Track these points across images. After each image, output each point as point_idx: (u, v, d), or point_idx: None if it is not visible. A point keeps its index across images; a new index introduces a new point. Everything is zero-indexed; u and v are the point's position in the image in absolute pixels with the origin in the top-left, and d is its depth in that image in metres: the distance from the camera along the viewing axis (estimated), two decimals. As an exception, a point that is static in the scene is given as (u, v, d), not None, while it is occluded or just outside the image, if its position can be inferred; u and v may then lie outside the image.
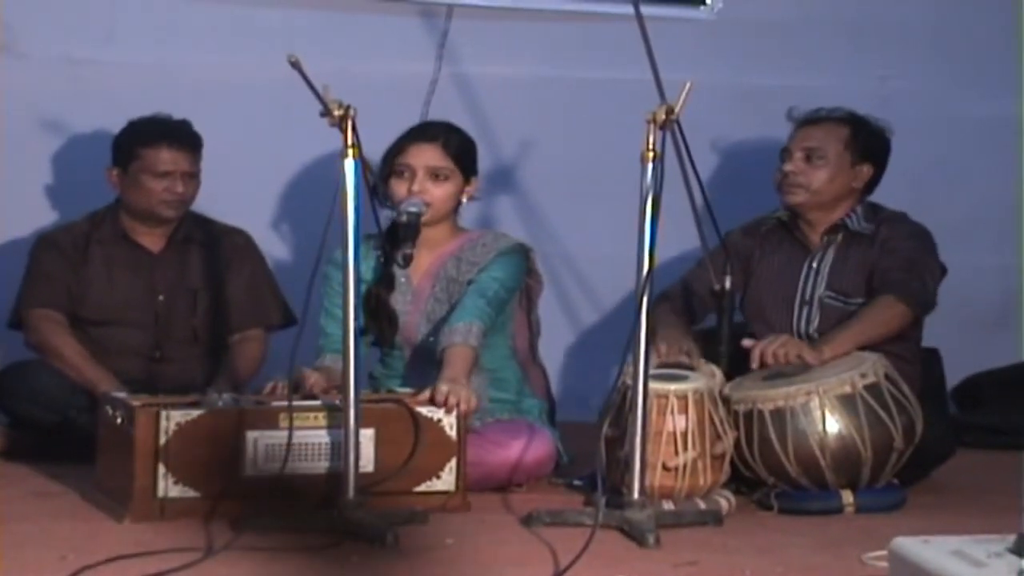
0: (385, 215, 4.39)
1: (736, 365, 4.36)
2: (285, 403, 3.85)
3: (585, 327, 5.73)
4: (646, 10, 4.16)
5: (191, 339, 4.85)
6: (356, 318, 3.75)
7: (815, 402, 4.18)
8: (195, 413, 3.85)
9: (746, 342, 4.33)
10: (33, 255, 4.85)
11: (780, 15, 5.80)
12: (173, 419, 3.81)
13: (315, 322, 4.41)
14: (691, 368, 4.26)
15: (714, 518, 3.97)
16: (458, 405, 4.02)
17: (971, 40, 5.91)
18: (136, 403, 3.87)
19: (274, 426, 3.87)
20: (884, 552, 2.85)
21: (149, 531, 3.66)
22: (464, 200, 4.51)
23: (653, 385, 3.93)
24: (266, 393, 4.17)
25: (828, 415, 4.17)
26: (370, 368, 4.58)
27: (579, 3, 5.67)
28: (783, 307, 4.63)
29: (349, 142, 3.70)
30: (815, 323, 4.58)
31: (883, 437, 4.19)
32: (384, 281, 4.48)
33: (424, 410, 4.02)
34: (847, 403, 4.19)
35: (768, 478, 4.21)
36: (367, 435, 3.90)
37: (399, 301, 4.49)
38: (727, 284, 4.22)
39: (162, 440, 3.80)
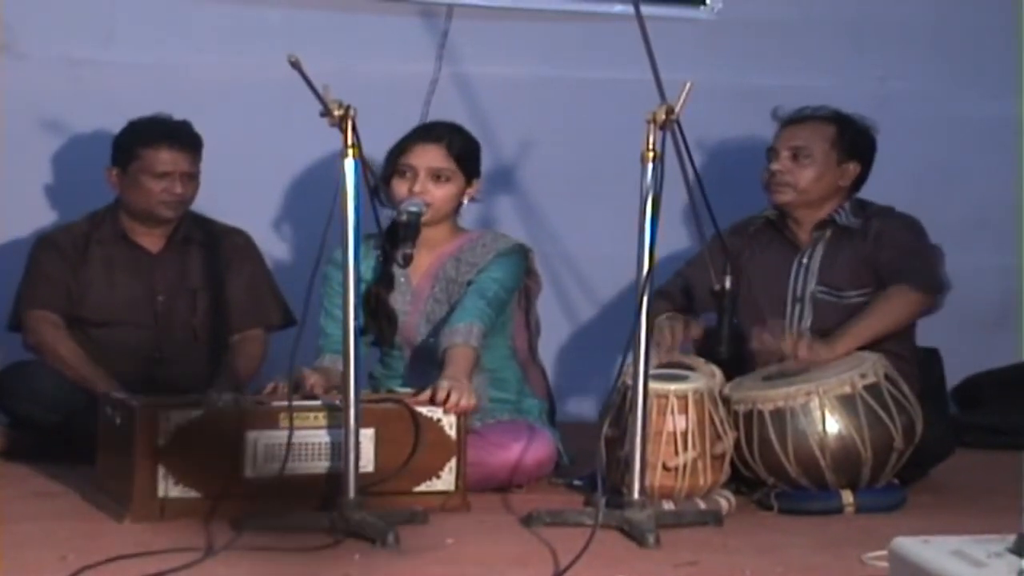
0: (386, 215, 4.39)
1: (736, 365, 4.36)
2: (285, 403, 3.85)
3: (585, 327, 5.74)
4: (646, 10, 4.16)
5: (191, 339, 4.85)
6: (356, 318, 3.75)
7: (815, 402, 4.18)
8: (195, 413, 3.85)
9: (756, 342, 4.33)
10: (32, 256, 4.85)
11: (780, 15, 5.80)
12: (173, 419, 3.81)
13: (315, 322, 4.42)
14: (691, 368, 4.26)
15: (714, 518, 3.98)
16: (459, 403, 4.02)
17: (971, 40, 5.91)
18: (136, 403, 3.87)
19: (274, 426, 3.87)
20: (884, 552, 2.85)
21: (149, 531, 3.66)
22: (465, 201, 4.51)
23: (653, 385, 3.93)
24: (266, 393, 4.17)
25: (828, 415, 4.17)
26: (370, 368, 4.58)
27: (579, 3, 5.67)
28: (775, 305, 4.63)
29: (349, 142, 3.69)
30: (808, 320, 4.59)
31: (883, 437, 4.19)
32: (384, 281, 4.48)
33: (424, 410, 4.02)
34: (847, 403, 4.19)
35: (768, 478, 4.21)
36: (367, 435, 3.90)
37: (399, 301, 4.49)
38: (727, 284, 4.21)
39: (162, 440, 3.80)
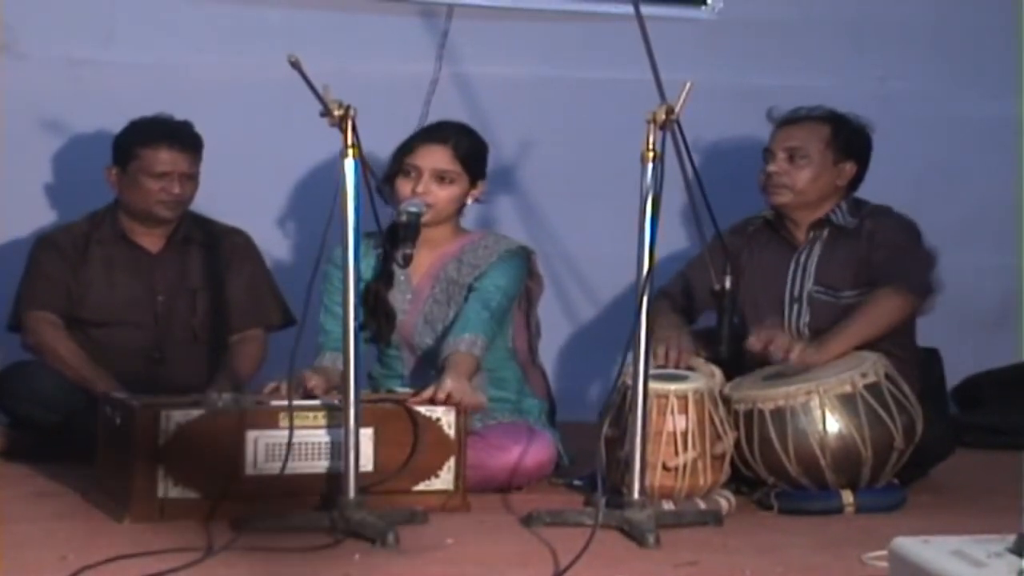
0: (388, 213, 4.39)
1: (736, 365, 4.35)
2: (285, 403, 3.85)
3: (585, 327, 5.73)
4: (646, 10, 4.16)
5: (191, 339, 4.85)
6: (358, 318, 3.75)
7: (815, 402, 4.18)
8: (195, 413, 3.85)
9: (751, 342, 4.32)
10: (32, 256, 4.84)
11: (780, 15, 5.80)
12: (173, 419, 3.81)
13: (315, 322, 4.42)
14: (691, 368, 4.26)
15: (714, 518, 3.98)
16: (462, 397, 4.02)
17: (971, 40, 5.91)
18: (136, 403, 3.87)
19: (274, 426, 3.87)
20: (884, 552, 2.85)
21: (149, 531, 3.65)
22: (469, 202, 4.51)
23: (653, 385, 3.93)
24: (267, 393, 4.17)
25: (828, 415, 4.17)
26: (368, 368, 4.58)
27: (579, 3, 5.67)
28: (774, 305, 4.63)
29: (349, 142, 3.69)
30: (806, 319, 4.58)
31: (883, 437, 4.19)
32: (383, 278, 4.48)
33: (423, 410, 4.02)
34: (847, 403, 4.19)
35: (768, 478, 4.21)
36: (366, 435, 3.90)
37: (398, 300, 4.49)
38: (727, 284, 4.21)
39: (162, 440, 3.80)
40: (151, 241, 4.86)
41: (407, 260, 4.24)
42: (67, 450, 4.43)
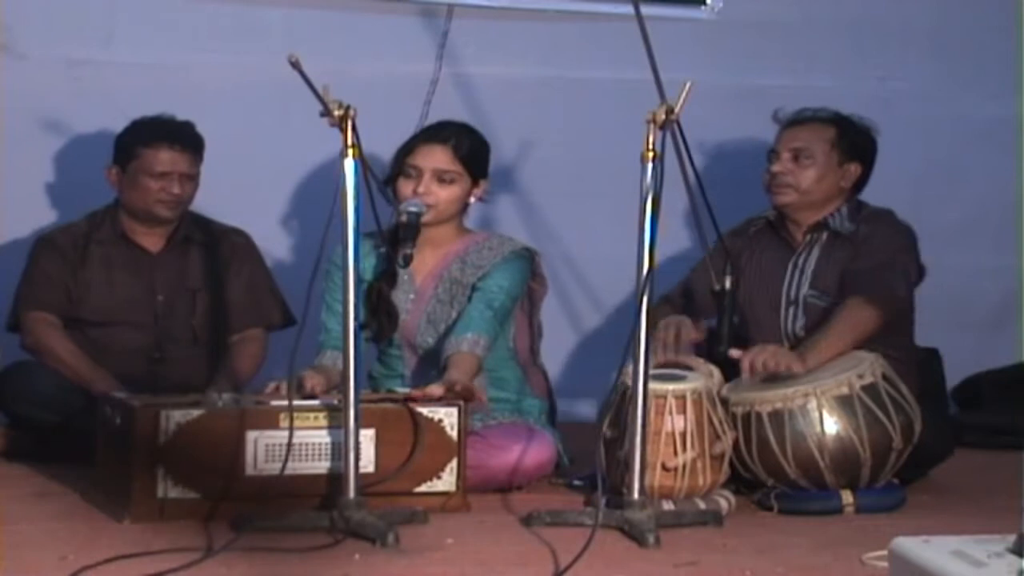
0: (388, 213, 4.39)
1: (736, 365, 4.35)
2: (285, 403, 3.85)
3: (585, 327, 5.74)
4: (646, 10, 4.15)
5: (191, 339, 4.85)
6: (358, 318, 3.75)
7: (813, 403, 4.18)
8: (195, 413, 3.85)
9: (733, 353, 4.30)
10: (32, 256, 4.85)
11: (780, 15, 5.80)
12: (173, 419, 3.81)
13: (315, 322, 4.42)
14: (690, 368, 4.26)
15: (714, 518, 3.98)
16: (470, 394, 4.03)
17: (971, 40, 5.91)
18: (136, 403, 3.87)
19: (274, 426, 3.87)
20: (884, 552, 2.84)
21: (149, 531, 3.65)
22: (472, 201, 4.51)
23: (652, 385, 3.93)
24: (268, 393, 4.17)
25: (826, 416, 4.17)
26: (369, 367, 4.58)
27: (579, 3, 5.67)
28: (771, 307, 4.63)
29: (349, 142, 3.69)
30: (800, 322, 4.58)
31: (881, 437, 4.19)
32: (387, 277, 4.48)
33: (424, 410, 4.02)
34: (845, 404, 4.19)
35: (767, 480, 4.21)
36: (367, 435, 3.90)
37: (401, 299, 4.50)
38: (727, 284, 4.21)
39: (162, 440, 3.80)
40: (151, 241, 4.87)
41: (407, 260, 4.24)
42: (67, 450, 4.43)
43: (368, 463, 3.89)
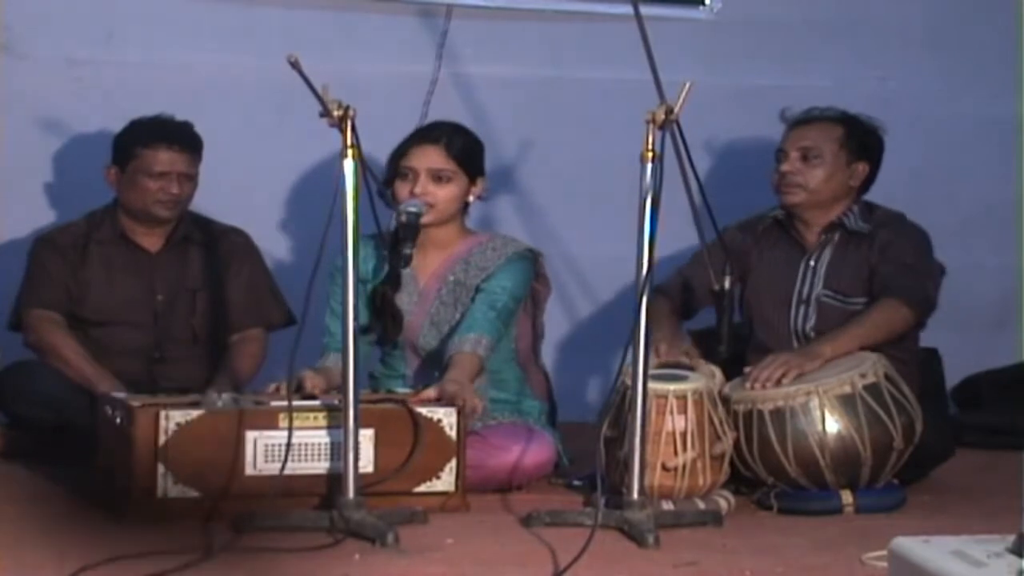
0: (388, 215, 4.39)
1: (736, 365, 4.35)
2: (285, 403, 3.85)
3: (585, 327, 5.73)
4: (645, 10, 4.16)
5: (190, 339, 4.85)
6: (356, 318, 3.75)
7: (815, 402, 4.18)
8: (195, 413, 3.85)
9: (747, 371, 4.30)
10: (32, 255, 4.85)
11: (780, 15, 5.79)
12: (173, 419, 3.81)
13: (315, 322, 4.40)
14: (691, 368, 4.26)
15: (714, 518, 3.97)
16: (464, 404, 4.02)
17: (971, 40, 5.91)
18: (136, 403, 3.87)
19: (274, 426, 3.87)
20: (884, 552, 2.84)
21: (149, 531, 3.65)
22: (471, 199, 4.51)
23: (652, 385, 3.93)
24: (268, 393, 4.16)
25: (828, 415, 4.17)
26: (371, 368, 4.58)
27: (579, 3, 5.67)
28: (780, 306, 4.63)
29: (348, 142, 3.69)
30: (812, 321, 4.58)
31: (883, 437, 4.19)
32: (391, 280, 4.48)
33: (424, 410, 4.02)
34: (847, 403, 4.19)
35: (768, 478, 4.21)
36: (367, 435, 3.90)
37: (405, 301, 4.49)
38: (727, 284, 4.21)
39: (162, 440, 3.80)
40: (150, 241, 4.86)
41: (407, 260, 4.24)
42: (66, 450, 4.42)
43: (367, 463, 3.89)
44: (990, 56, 5.84)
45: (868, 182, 4.68)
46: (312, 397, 4.08)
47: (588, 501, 4.10)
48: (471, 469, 4.09)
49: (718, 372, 4.26)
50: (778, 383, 4.22)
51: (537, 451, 4.30)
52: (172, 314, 4.84)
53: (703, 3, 5.74)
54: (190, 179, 4.80)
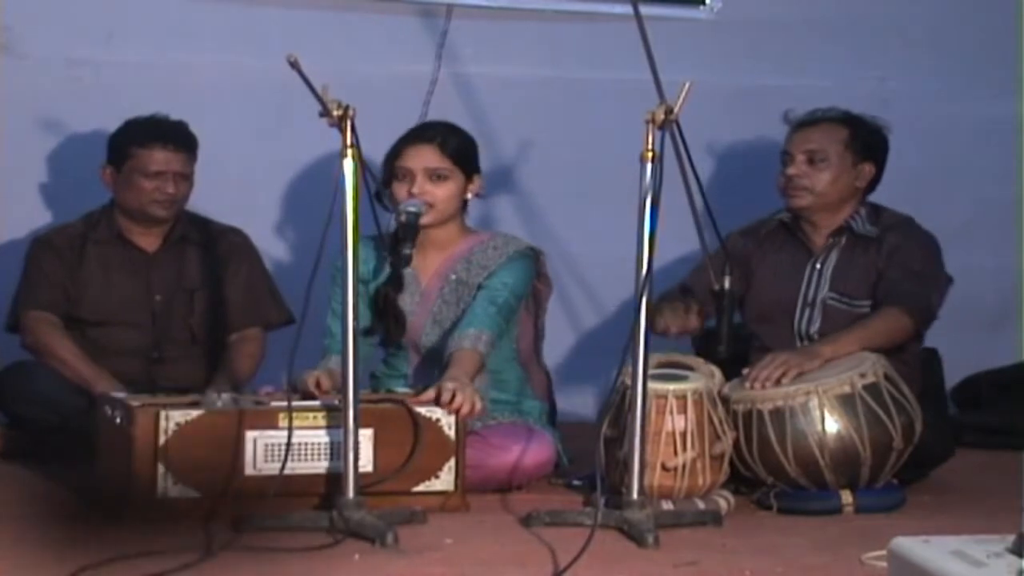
0: (387, 217, 4.39)
1: (736, 365, 4.35)
2: (284, 403, 3.85)
3: (584, 327, 5.73)
4: (645, 10, 4.16)
5: (189, 339, 4.85)
6: (356, 318, 3.75)
7: (814, 402, 4.18)
8: (194, 413, 3.85)
9: (747, 372, 4.31)
10: (29, 257, 4.85)
11: (780, 15, 5.80)
12: (172, 419, 3.81)
13: (314, 322, 4.40)
14: (690, 368, 4.26)
15: (713, 518, 3.97)
16: (462, 407, 4.02)
17: (971, 40, 5.91)
18: (135, 403, 3.87)
19: (274, 426, 3.88)
20: (883, 552, 2.84)
21: (149, 531, 3.65)
22: (469, 197, 4.51)
23: (652, 385, 3.93)
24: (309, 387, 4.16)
25: (827, 415, 4.17)
26: (373, 368, 4.58)
27: (579, 3, 5.67)
28: (785, 308, 4.63)
29: (348, 142, 3.69)
30: (816, 324, 4.58)
31: (882, 437, 4.19)
32: (393, 282, 4.47)
33: (423, 410, 4.02)
34: (846, 403, 4.19)
35: (767, 478, 4.21)
36: (366, 435, 3.90)
37: (407, 301, 4.49)
38: (726, 284, 4.21)
39: (161, 440, 3.80)
40: (148, 241, 4.87)
41: (407, 260, 4.24)
42: (66, 450, 4.43)
43: (367, 463, 3.89)
44: (990, 56, 5.84)
45: (874, 183, 4.68)
46: (312, 397, 4.08)
47: (588, 501, 4.10)
48: (471, 469, 4.09)
49: (718, 372, 4.26)
50: (778, 382, 4.22)
51: (537, 451, 4.30)
52: (170, 314, 4.84)
53: (703, 3, 5.75)
54: (186, 178, 4.80)
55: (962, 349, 5.31)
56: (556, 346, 5.45)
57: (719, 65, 5.62)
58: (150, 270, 4.85)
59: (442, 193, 4.42)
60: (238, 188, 5.18)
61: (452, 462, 4.03)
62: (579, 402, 5.35)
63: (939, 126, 5.87)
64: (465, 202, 4.51)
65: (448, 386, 4.05)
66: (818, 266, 4.62)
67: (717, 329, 4.32)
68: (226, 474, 3.83)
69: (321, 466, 3.90)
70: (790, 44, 5.79)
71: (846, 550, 3.63)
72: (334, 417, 3.86)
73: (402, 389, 4.27)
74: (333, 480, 3.81)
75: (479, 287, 4.43)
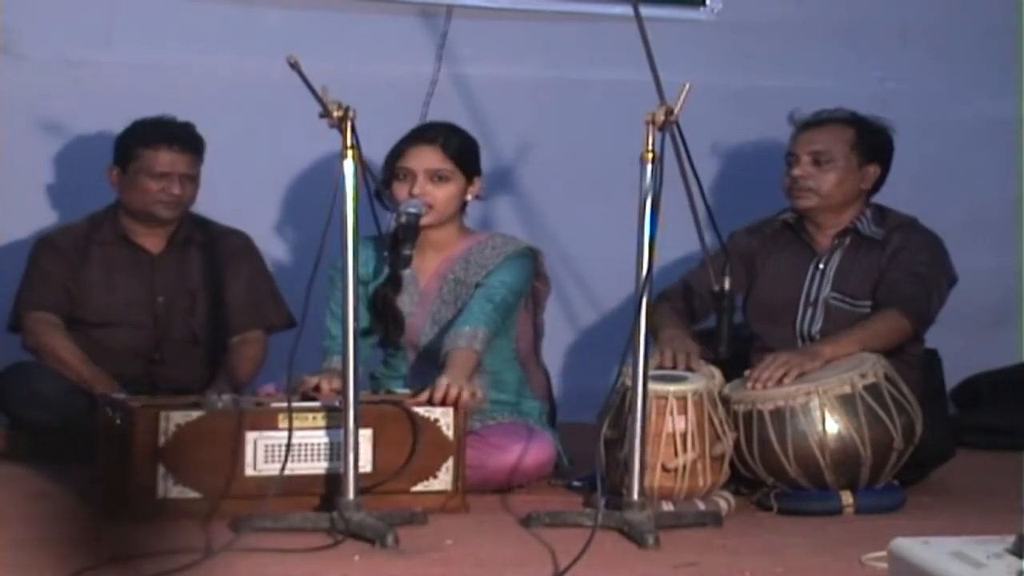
0: (387, 217, 4.39)
1: (736, 365, 4.35)
2: (284, 404, 3.85)
3: (585, 328, 5.73)
4: (645, 11, 4.17)
5: (190, 340, 4.85)
6: (357, 319, 3.75)
7: (815, 402, 4.18)
8: (195, 414, 3.85)
9: (747, 373, 4.31)
10: (32, 257, 4.85)
11: (780, 16, 5.80)
12: (173, 420, 3.82)
13: (314, 324, 4.40)
14: (691, 368, 4.26)
15: (714, 519, 3.97)
16: (459, 397, 4.01)
17: (971, 40, 5.91)
18: (135, 404, 3.87)
19: (273, 427, 3.88)
20: (884, 553, 2.84)
21: (149, 531, 3.65)
22: (469, 199, 4.51)
23: (653, 386, 3.93)
24: (308, 388, 4.15)
25: (828, 415, 4.17)
26: (372, 368, 4.58)
27: (579, 4, 5.67)
28: (787, 308, 4.62)
29: (348, 143, 3.69)
30: (819, 324, 4.58)
31: (882, 437, 4.19)
32: (392, 282, 4.47)
33: (421, 410, 4.02)
34: (847, 403, 4.19)
35: (767, 478, 4.21)
36: (365, 435, 3.90)
37: (406, 302, 4.49)
38: (726, 285, 4.21)
39: (161, 441, 3.80)
40: (152, 242, 4.87)
41: (407, 261, 4.24)
42: (67, 451, 4.43)
43: (366, 463, 3.90)
44: (990, 56, 5.85)
45: (878, 184, 4.68)
46: (312, 398, 4.08)
47: (588, 502, 4.10)
48: (471, 469, 4.09)
49: (718, 373, 4.26)
50: (779, 382, 4.22)
51: (537, 451, 4.30)
52: (172, 315, 4.84)
53: (703, 4, 5.74)
54: (191, 180, 4.80)
55: (962, 349, 5.31)
56: (556, 347, 5.45)
57: (719, 66, 5.62)
58: (154, 271, 4.85)
59: (442, 194, 4.42)
60: (237, 189, 5.18)
61: (451, 462, 4.03)
62: (579, 403, 5.34)
63: (939, 126, 5.87)
64: (464, 203, 4.51)
65: (441, 383, 4.05)
66: (821, 266, 4.62)
67: (717, 330, 4.32)
68: (226, 475, 3.83)
69: (321, 467, 3.91)
70: (790, 45, 5.79)
71: (846, 551, 3.63)
72: (334, 418, 3.87)
73: (401, 390, 4.27)
74: (333, 481, 3.81)
75: (477, 286, 4.43)
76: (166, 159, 4.74)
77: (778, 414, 4.18)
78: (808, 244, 4.67)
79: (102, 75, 5.28)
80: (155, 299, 4.84)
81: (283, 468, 3.76)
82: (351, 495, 3.68)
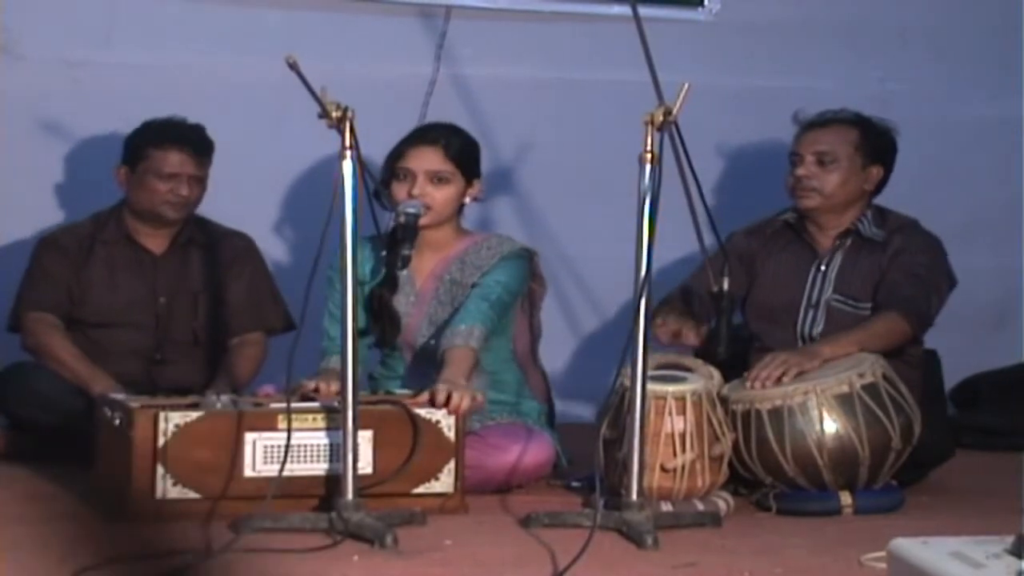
0: (386, 217, 4.39)
1: (735, 366, 4.35)
2: (283, 405, 3.85)
3: (584, 328, 5.73)
4: (644, 11, 4.17)
5: (191, 341, 4.85)
6: (355, 319, 3.75)
7: (813, 401, 4.18)
8: (194, 414, 3.85)
9: (746, 374, 4.31)
10: (35, 256, 4.85)
11: (779, 16, 5.80)
12: (172, 421, 3.82)
13: (314, 325, 4.41)
14: (689, 369, 4.26)
15: (712, 519, 3.98)
16: (459, 405, 4.02)
17: (971, 40, 5.92)
18: (135, 405, 3.87)
19: (273, 428, 3.88)
20: (882, 553, 2.85)
21: (149, 532, 3.66)
22: (467, 201, 4.51)
23: (651, 386, 3.93)
24: (308, 390, 4.15)
25: (826, 415, 4.17)
26: (371, 369, 4.58)
27: (578, 4, 5.67)
28: (788, 309, 4.63)
29: (347, 143, 3.69)
30: (820, 326, 4.58)
31: (881, 437, 4.19)
32: (388, 283, 4.47)
33: (422, 412, 4.02)
34: (845, 403, 4.19)
35: (766, 478, 4.21)
36: (365, 437, 3.90)
37: (402, 303, 4.49)
38: (725, 286, 4.21)
39: (161, 441, 3.80)
40: (155, 242, 4.87)
41: (405, 262, 4.24)
42: (66, 451, 4.43)
43: (366, 464, 3.90)
44: (990, 57, 5.85)
45: (881, 185, 4.68)
46: (311, 399, 4.08)
47: (587, 502, 4.10)
48: (470, 470, 4.09)
49: (717, 373, 4.26)
50: (778, 382, 4.22)
51: (536, 452, 4.31)
52: (173, 316, 4.85)
53: (702, 5, 5.75)
54: (199, 181, 4.81)
55: (962, 349, 5.32)
56: (555, 347, 5.44)
57: (718, 66, 5.62)
58: (156, 272, 4.85)
59: (441, 196, 4.42)
60: (237, 189, 5.17)
61: (452, 464, 4.03)
62: (578, 403, 5.34)
63: (939, 126, 5.87)
64: (462, 205, 4.51)
65: (441, 387, 4.05)
66: (823, 268, 4.63)
67: (716, 330, 4.33)
68: (225, 475, 3.83)
69: (320, 468, 3.90)
70: (789, 45, 5.79)
71: (845, 551, 3.63)
72: (333, 419, 3.86)
73: (399, 391, 4.27)
74: (332, 481, 3.81)
75: (473, 286, 4.43)
76: (175, 160, 4.75)
77: (776, 413, 4.18)
78: (809, 245, 4.67)
79: (102, 75, 5.29)
80: (157, 299, 4.84)
81: (282, 469, 3.76)
82: (350, 496, 3.68)
